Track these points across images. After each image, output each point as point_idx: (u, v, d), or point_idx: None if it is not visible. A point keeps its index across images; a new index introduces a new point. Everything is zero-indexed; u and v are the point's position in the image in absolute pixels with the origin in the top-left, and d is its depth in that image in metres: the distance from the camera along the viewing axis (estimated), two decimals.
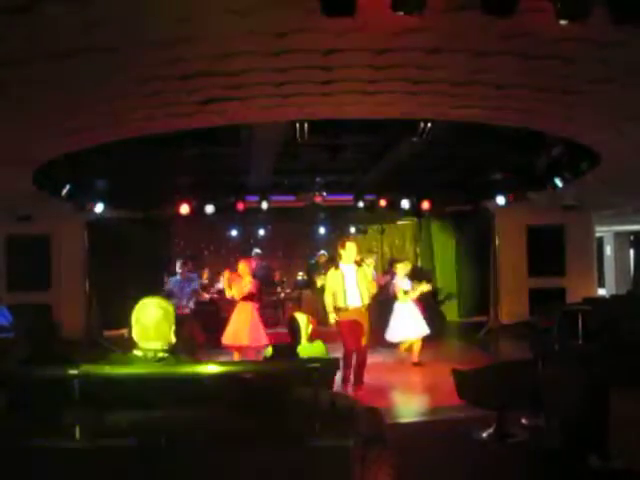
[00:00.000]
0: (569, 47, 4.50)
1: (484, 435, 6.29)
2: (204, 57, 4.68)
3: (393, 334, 10.35)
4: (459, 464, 5.60)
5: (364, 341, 8.43)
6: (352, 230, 16.09)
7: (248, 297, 9.95)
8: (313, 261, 14.77)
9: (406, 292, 10.32)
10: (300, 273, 15.50)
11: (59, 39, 4.17)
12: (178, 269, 10.31)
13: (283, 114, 6.59)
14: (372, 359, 10.85)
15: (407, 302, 10.34)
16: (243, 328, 9.75)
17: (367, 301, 8.48)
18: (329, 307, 8.52)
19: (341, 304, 8.37)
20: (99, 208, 10.92)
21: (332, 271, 8.69)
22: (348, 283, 8.40)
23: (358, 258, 8.56)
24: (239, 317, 9.86)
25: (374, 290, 8.78)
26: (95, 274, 13.03)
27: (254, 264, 10.75)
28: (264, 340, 9.76)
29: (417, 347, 10.25)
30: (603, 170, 9.18)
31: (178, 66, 4.74)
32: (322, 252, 14.50)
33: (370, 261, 8.99)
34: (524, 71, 5.06)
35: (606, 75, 5.11)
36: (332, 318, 8.50)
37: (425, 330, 10.30)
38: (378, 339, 11.91)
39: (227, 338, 9.86)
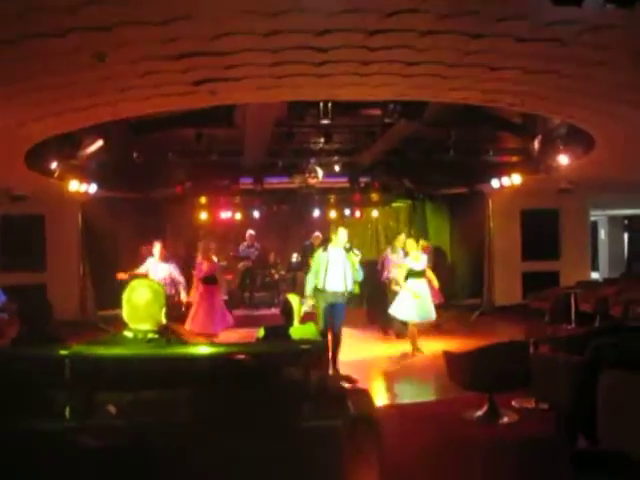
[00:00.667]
0: (562, 30, 4.49)
1: (475, 417, 6.34)
2: (197, 37, 4.64)
3: (397, 310, 9.99)
4: (449, 445, 5.65)
5: (339, 324, 8.47)
6: (346, 212, 16.07)
7: (208, 281, 9.97)
8: (307, 243, 14.76)
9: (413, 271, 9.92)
10: (294, 255, 15.51)
11: (53, 18, 4.14)
12: (155, 251, 10.29)
13: (277, 95, 6.55)
14: (364, 340, 10.98)
15: (419, 281, 9.95)
16: (209, 314, 9.81)
17: (349, 288, 8.49)
18: (308, 290, 8.53)
19: (320, 285, 8.40)
20: (92, 189, 10.89)
21: (319, 252, 8.74)
22: (332, 266, 8.41)
23: (347, 244, 8.53)
24: (204, 303, 9.93)
25: (358, 278, 8.71)
26: (89, 254, 13.05)
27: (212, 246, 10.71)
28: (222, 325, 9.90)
29: (413, 333, 9.99)
30: (598, 153, 9.19)
31: (171, 46, 4.71)
32: (316, 234, 14.49)
33: (358, 252, 8.82)
34: (518, 54, 5.04)
35: (600, 58, 5.09)
36: (308, 304, 8.41)
37: (431, 316, 10.00)
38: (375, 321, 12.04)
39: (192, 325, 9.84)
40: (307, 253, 14.30)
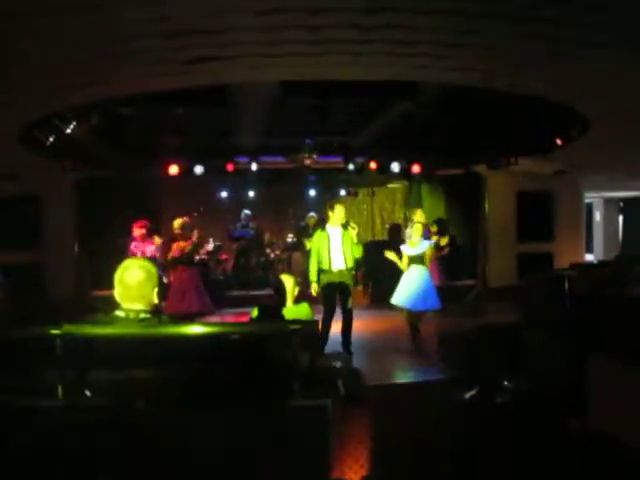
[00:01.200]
0: (558, 11, 4.46)
1: (467, 397, 6.37)
2: (190, 15, 4.60)
3: (397, 297, 9.33)
4: (441, 425, 5.69)
5: (349, 304, 8.46)
6: (342, 193, 16.05)
7: (181, 262, 9.96)
8: (302, 223, 14.76)
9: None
10: (290, 235, 15.51)
11: None
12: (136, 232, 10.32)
13: (272, 74, 6.52)
14: (359, 320, 10.99)
15: (419, 267, 9.29)
16: (187, 293, 9.80)
17: (351, 264, 8.47)
18: (312, 274, 8.47)
19: (325, 266, 8.39)
20: (87, 168, 10.86)
21: (319, 232, 8.71)
22: (333, 245, 8.41)
23: (344, 221, 8.51)
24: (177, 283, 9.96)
25: (359, 254, 8.63)
26: (85, 234, 13.02)
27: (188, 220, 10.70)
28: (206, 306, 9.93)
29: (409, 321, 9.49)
30: (593, 135, 9.17)
31: (163, 24, 4.67)
32: (311, 214, 14.47)
33: (354, 226, 8.61)
34: (511, 34, 5.01)
35: (596, 39, 5.07)
36: (314, 289, 8.41)
37: (435, 305, 9.30)
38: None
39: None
40: (301, 233, 14.31)
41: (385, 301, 11.65)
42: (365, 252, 8.80)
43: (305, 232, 13.99)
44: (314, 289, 8.44)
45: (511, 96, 7.91)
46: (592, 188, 17.50)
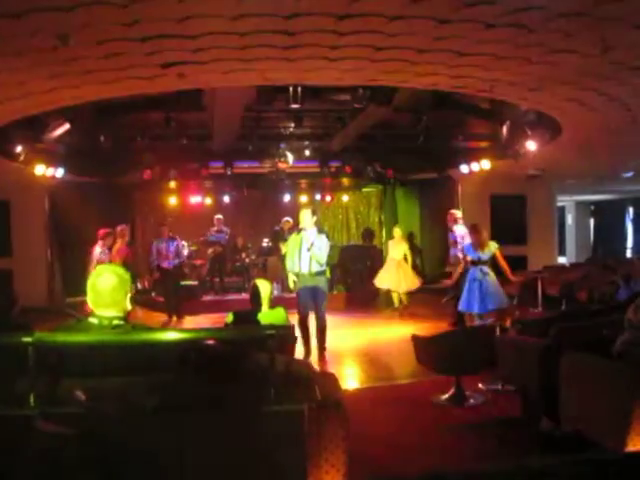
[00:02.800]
0: (530, 17, 4.52)
1: (442, 399, 6.41)
2: (163, 19, 4.57)
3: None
4: (417, 428, 5.71)
5: (322, 308, 8.48)
6: (317, 197, 16.06)
7: None
8: (277, 228, 14.74)
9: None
10: (265, 240, 15.46)
11: None
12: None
13: (245, 79, 6.50)
14: (336, 325, 11.01)
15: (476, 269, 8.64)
16: None
17: (317, 268, 8.42)
18: (290, 282, 8.73)
19: (296, 269, 8.47)
20: (59, 173, 10.73)
21: (293, 235, 8.82)
22: (304, 249, 8.43)
23: (307, 224, 8.45)
24: None
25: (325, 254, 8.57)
26: (57, 240, 12.88)
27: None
28: None
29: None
30: (565, 140, 9.29)
31: (136, 28, 4.63)
32: (286, 219, 14.45)
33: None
34: (486, 39, 5.06)
35: (567, 45, 5.14)
36: (291, 282, 8.71)
37: (491, 305, 8.49)
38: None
39: None
40: (277, 238, 14.28)
41: (358, 304, 11.71)
42: (339, 255, 8.90)
43: (280, 237, 13.95)
44: (291, 282, 8.74)
45: (483, 100, 8.01)
46: (564, 192, 17.71)
